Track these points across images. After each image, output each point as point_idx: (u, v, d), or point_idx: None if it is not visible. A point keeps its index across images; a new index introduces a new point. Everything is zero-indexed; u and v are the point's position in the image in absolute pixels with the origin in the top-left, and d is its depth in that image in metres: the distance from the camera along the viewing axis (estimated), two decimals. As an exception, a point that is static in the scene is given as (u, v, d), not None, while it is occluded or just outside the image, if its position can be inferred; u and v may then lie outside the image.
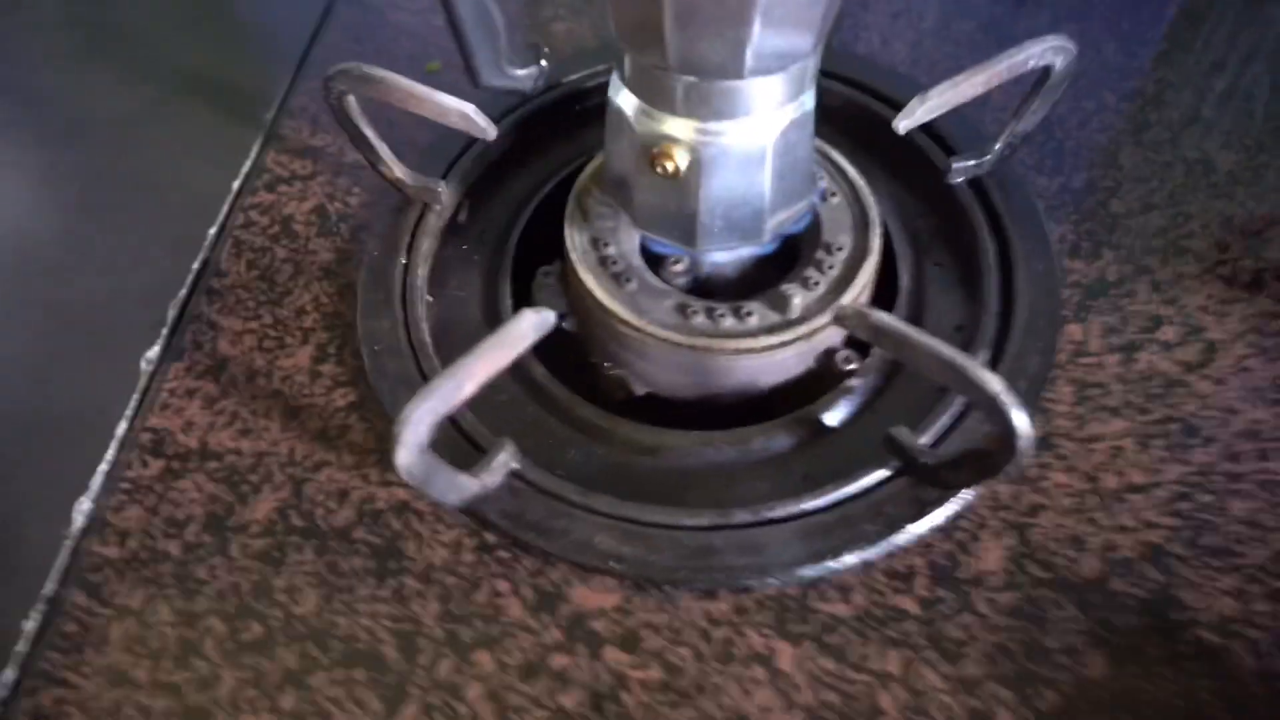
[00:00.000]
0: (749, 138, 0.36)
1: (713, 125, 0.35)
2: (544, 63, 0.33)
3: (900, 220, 0.49)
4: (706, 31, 0.32)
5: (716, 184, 0.37)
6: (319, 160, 0.51)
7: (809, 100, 0.37)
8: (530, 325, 0.34)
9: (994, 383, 0.31)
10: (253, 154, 0.51)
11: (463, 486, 0.35)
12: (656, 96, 0.35)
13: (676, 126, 0.36)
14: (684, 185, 0.37)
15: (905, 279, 0.46)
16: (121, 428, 0.41)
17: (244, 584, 0.37)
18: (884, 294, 0.46)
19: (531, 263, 0.48)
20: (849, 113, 0.52)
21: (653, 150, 0.36)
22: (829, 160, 0.46)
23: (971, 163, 0.47)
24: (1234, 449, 0.40)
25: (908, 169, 0.50)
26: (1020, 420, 0.31)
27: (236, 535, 0.38)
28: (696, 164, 0.36)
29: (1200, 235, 0.47)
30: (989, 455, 0.33)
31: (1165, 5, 0.59)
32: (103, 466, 0.40)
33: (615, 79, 0.38)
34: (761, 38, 0.32)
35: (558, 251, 0.45)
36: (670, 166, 0.36)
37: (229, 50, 0.56)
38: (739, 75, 0.33)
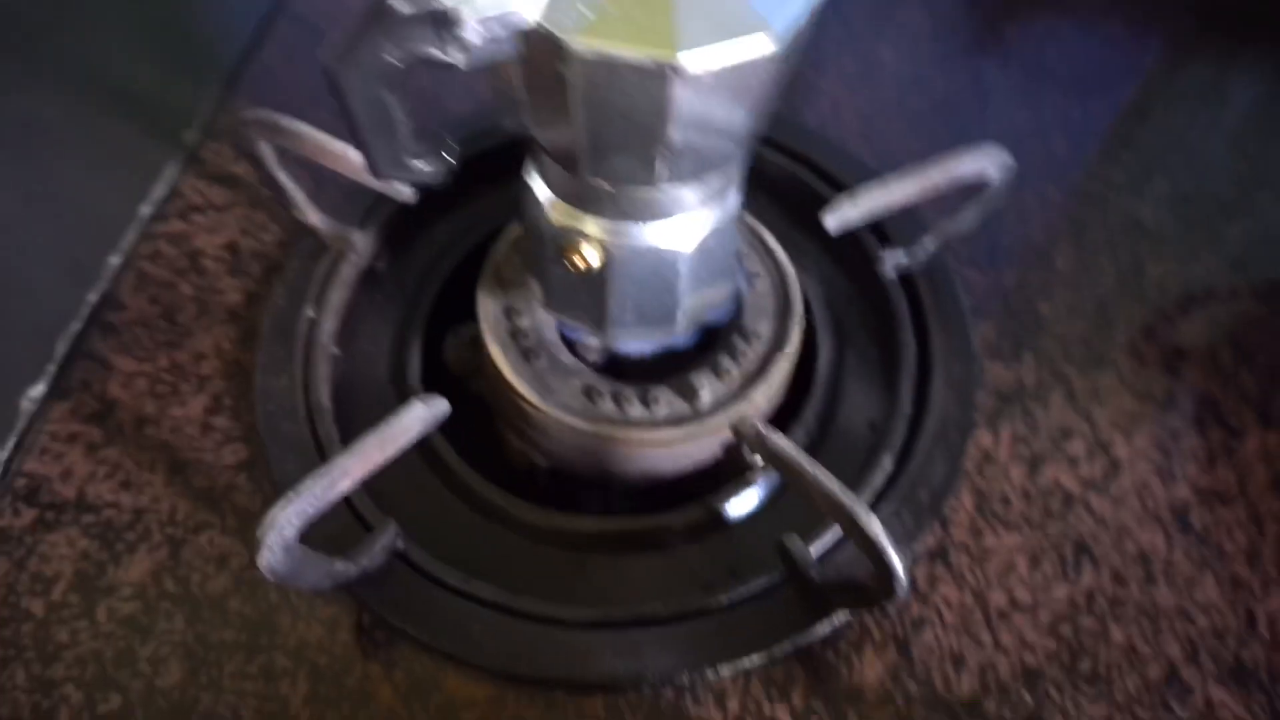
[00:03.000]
0: (664, 240, 0.35)
1: (627, 226, 0.34)
2: (448, 156, 0.32)
3: (825, 302, 0.48)
4: (618, 149, 0.30)
5: (629, 281, 0.36)
6: (237, 189, 0.49)
7: (733, 201, 0.36)
8: (417, 419, 0.33)
9: (876, 529, 0.30)
10: (168, 177, 0.49)
11: (337, 573, 0.35)
12: (569, 193, 0.34)
13: (589, 224, 0.35)
14: (595, 279, 0.36)
15: (823, 368, 0.46)
16: (-5, 471, 0.40)
17: (108, 651, 0.36)
18: (801, 379, 0.45)
19: (448, 319, 0.47)
20: (788, 186, 0.51)
21: (563, 243, 0.35)
22: (759, 240, 0.45)
23: (903, 256, 0.46)
24: (1121, 573, 0.40)
25: (839, 251, 0.49)
26: (898, 567, 0.30)
27: (105, 597, 0.37)
28: (608, 261, 0.35)
29: (1121, 346, 0.47)
30: (869, 589, 0.33)
31: (1117, 96, 0.59)
32: (-29, 514, 0.39)
33: (529, 160, 0.37)
34: (675, 156, 0.31)
35: (474, 311, 0.44)
36: (581, 264, 0.35)
37: (155, 57, 0.53)
38: (651, 184, 0.32)
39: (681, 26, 0.27)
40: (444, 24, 0.27)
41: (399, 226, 0.48)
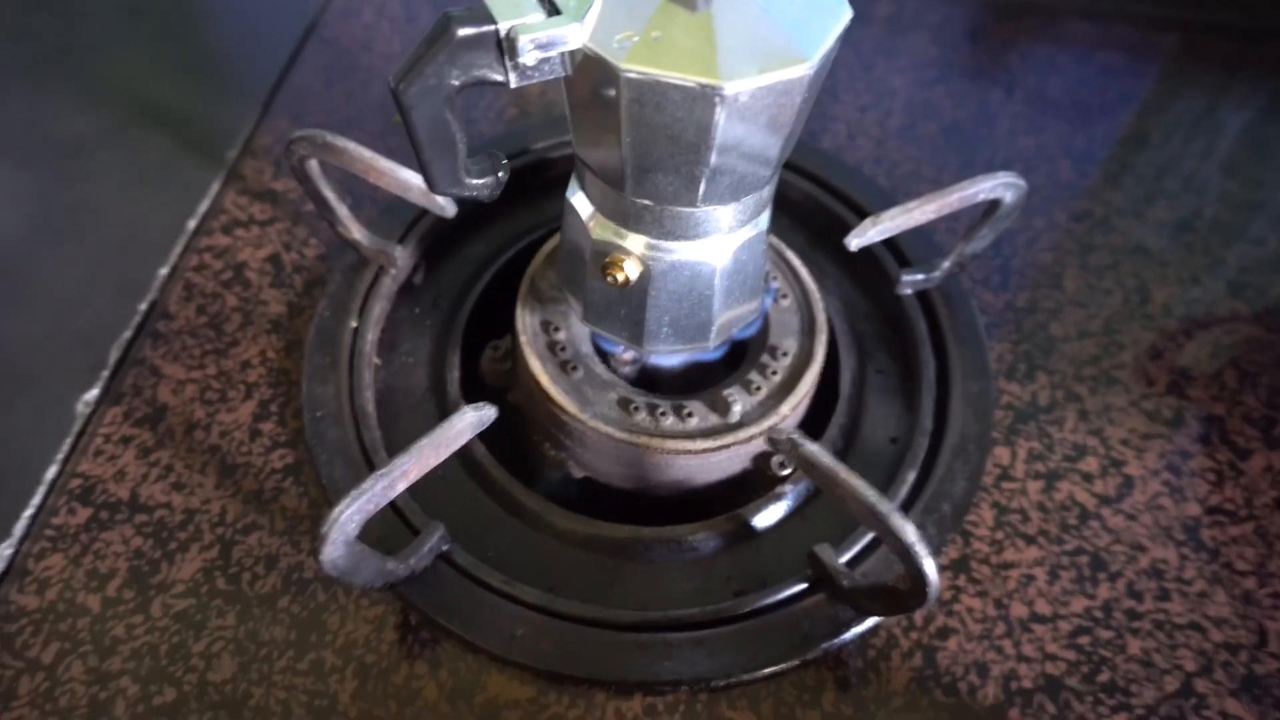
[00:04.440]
0: (700, 256, 0.37)
1: (665, 243, 0.36)
2: (501, 174, 0.34)
3: (847, 321, 0.50)
4: (662, 168, 0.32)
5: (665, 295, 0.38)
6: (278, 205, 0.51)
7: (763, 221, 0.38)
8: (469, 424, 0.35)
9: (910, 534, 0.32)
10: (212, 193, 0.51)
11: (389, 572, 0.36)
12: (612, 210, 0.36)
13: (629, 240, 0.36)
14: (633, 293, 0.38)
15: (846, 384, 0.47)
16: (51, 472, 0.41)
17: (162, 645, 0.37)
18: (825, 396, 0.47)
19: (483, 332, 0.48)
20: (810, 209, 0.53)
21: (605, 258, 0.37)
22: (783, 260, 0.47)
23: (920, 276, 0.48)
24: (1137, 587, 0.42)
25: (860, 271, 0.51)
26: (931, 571, 0.32)
27: (159, 594, 0.38)
28: (646, 275, 0.37)
29: (1130, 366, 0.49)
30: (901, 593, 0.34)
31: (1117, 122, 0.62)
32: (28, 511, 0.40)
33: (574, 180, 0.38)
34: (715, 177, 0.33)
35: (509, 324, 0.45)
36: (621, 277, 0.37)
37: (196, 80, 0.55)
38: (693, 205, 0.34)
39: (725, 52, 0.29)
40: (502, 46, 0.29)
41: (436, 242, 0.49)
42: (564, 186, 0.40)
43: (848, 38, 0.32)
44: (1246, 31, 0.69)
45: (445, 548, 0.38)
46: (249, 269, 0.48)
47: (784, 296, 0.46)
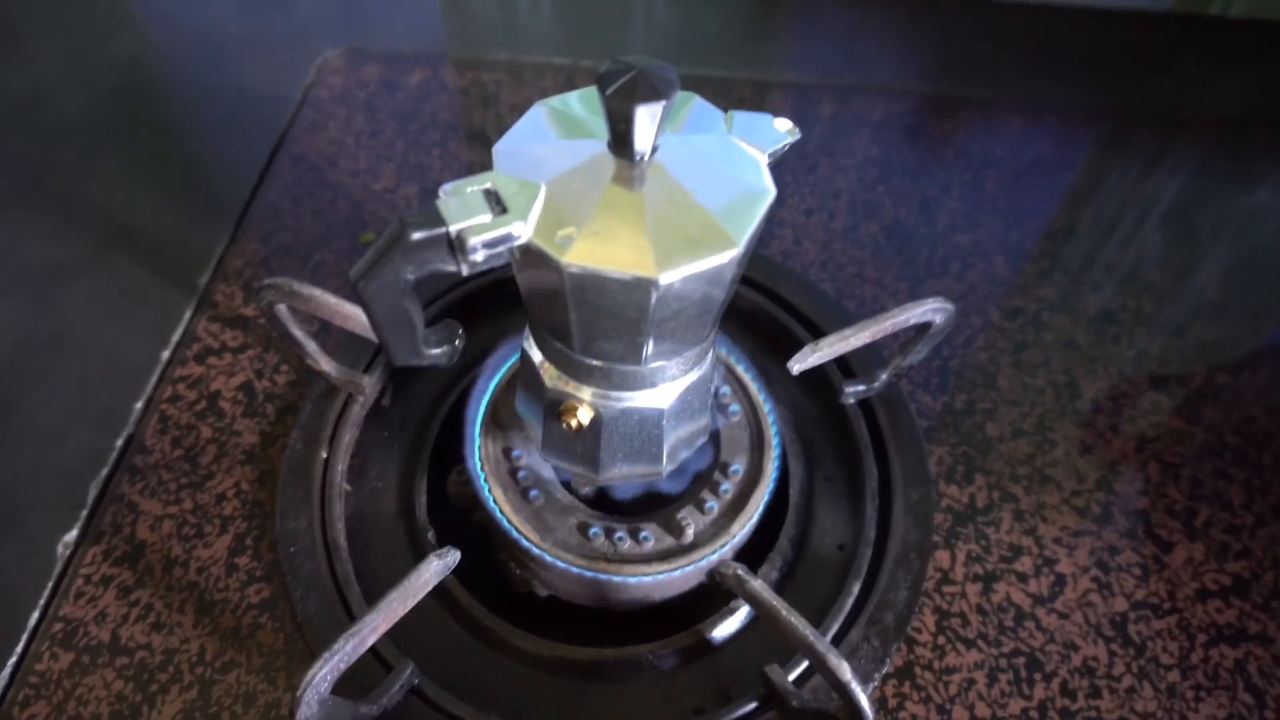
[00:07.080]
0: (648, 403, 0.39)
1: (614, 393, 0.39)
2: (458, 342, 0.36)
3: (796, 429, 0.53)
4: (607, 335, 0.35)
5: (617, 436, 0.40)
6: (249, 331, 0.53)
7: (706, 364, 0.41)
8: (434, 572, 0.37)
9: (845, 672, 0.34)
10: (184, 320, 0.53)
11: (362, 716, 0.38)
12: (563, 364, 0.39)
13: (582, 390, 0.39)
14: (587, 434, 0.40)
15: (796, 493, 0.50)
16: (34, 617, 0.43)
17: (143, 791, 0.39)
18: (775, 502, 0.49)
19: (450, 451, 0.50)
20: (759, 318, 0.56)
21: (559, 406, 0.40)
22: (734, 376, 0.50)
23: (862, 387, 0.51)
24: (1070, 685, 0.45)
25: (806, 381, 0.54)
26: (865, 705, 0.34)
27: (140, 738, 0.40)
28: (598, 419, 0.40)
29: (1062, 464, 0.52)
30: (841, 721, 0.37)
31: (1047, 216, 0.65)
32: (12, 660, 0.41)
33: (528, 331, 0.41)
34: (656, 343, 0.35)
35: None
36: (574, 423, 0.39)
37: (170, 200, 0.57)
38: (638, 364, 0.37)
39: (657, 244, 0.32)
40: (453, 245, 0.32)
41: (402, 367, 0.52)
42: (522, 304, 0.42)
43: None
44: (1171, 118, 0.73)
45: (416, 682, 0.41)
46: (222, 398, 0.50)
47: (734, 413, 0.49)
